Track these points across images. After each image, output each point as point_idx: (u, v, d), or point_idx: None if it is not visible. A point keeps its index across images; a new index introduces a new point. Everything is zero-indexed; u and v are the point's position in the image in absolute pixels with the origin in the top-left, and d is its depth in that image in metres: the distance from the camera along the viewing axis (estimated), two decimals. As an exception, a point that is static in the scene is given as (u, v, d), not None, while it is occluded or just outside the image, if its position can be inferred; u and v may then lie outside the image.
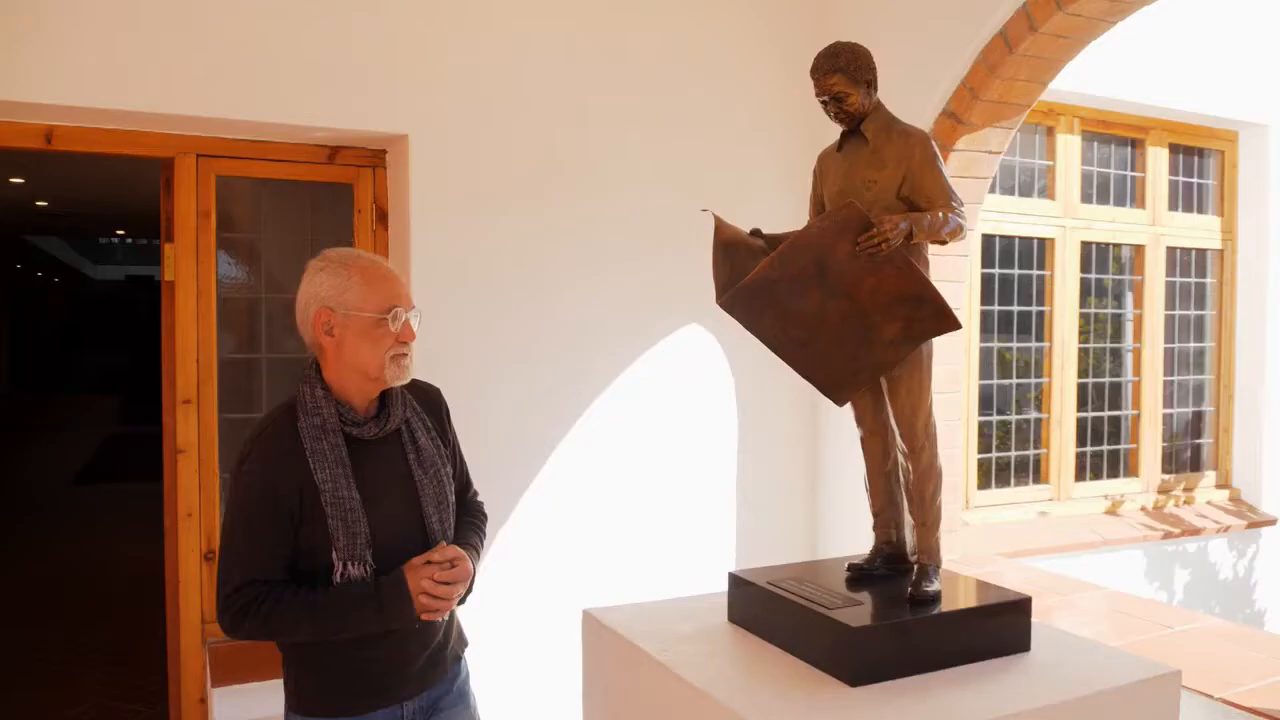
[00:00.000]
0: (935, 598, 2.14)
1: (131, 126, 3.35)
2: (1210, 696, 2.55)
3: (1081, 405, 5.20)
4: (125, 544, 8.04)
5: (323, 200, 3.71)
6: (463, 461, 2.37)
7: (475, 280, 3.58)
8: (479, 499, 2.41)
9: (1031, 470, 5.07)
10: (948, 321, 2.13)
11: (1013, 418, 5.03)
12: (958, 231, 2.15)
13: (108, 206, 10.95)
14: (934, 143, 2.22)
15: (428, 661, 2.19)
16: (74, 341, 18.07)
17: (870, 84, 2.25)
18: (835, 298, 2.10)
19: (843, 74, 2.21)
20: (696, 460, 4.06)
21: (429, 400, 2.28)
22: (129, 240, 18.85)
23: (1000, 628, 2.13)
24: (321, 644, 2.06)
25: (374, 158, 3.69)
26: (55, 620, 6.16)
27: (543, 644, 3.64)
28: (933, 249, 2.25)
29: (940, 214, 2.12)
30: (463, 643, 2.35)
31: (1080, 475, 5.20)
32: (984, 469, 4.91)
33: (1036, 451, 5.08)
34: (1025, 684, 1.98)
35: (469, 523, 2.31)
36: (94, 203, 10.53)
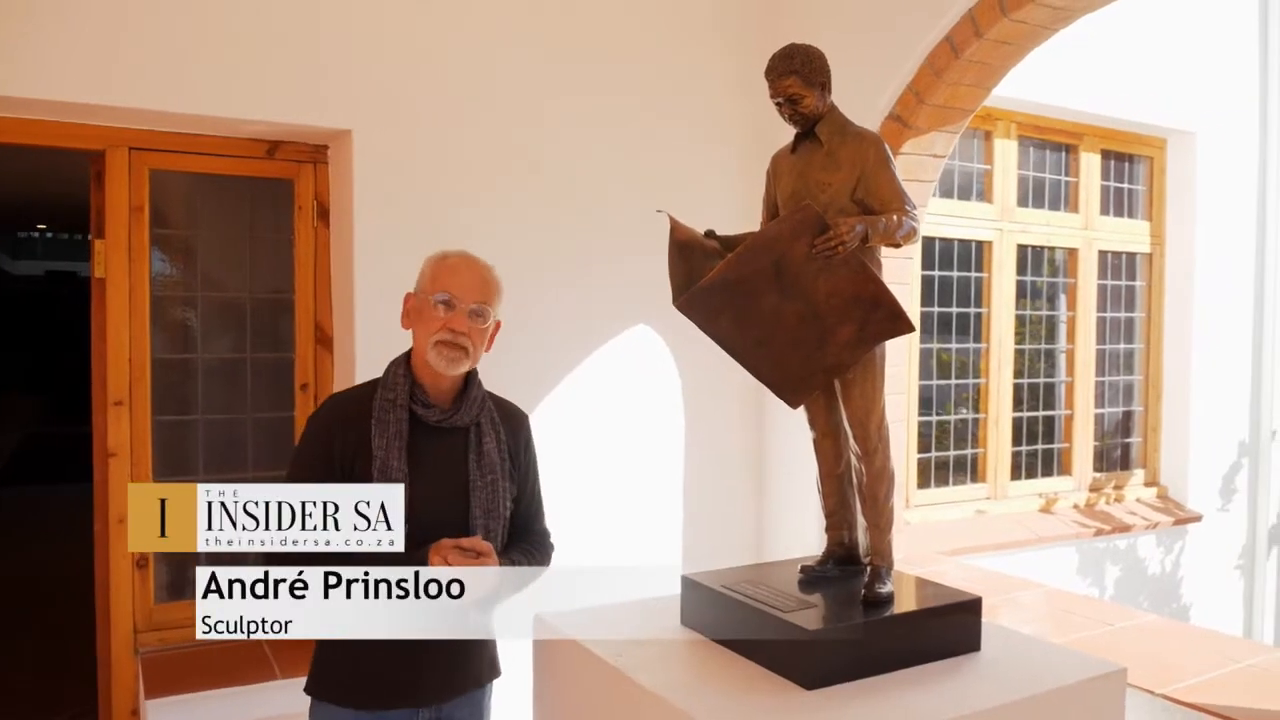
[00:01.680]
0: (888, 599, 2.16)
1: (61, 118, 3.23)
2: (1152, 693, 2.61)
3: (1016, 405, 5.29)
4: (48, 548, 7.77)
5: (261, 196, 3.61)
6: (537, 495, 2.38)
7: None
8: (550, 540, 2.39)
9: (969, 469, 5.15)
10: (901, 324, 2.15)
11: (951, 418, 5.10)
12: (912, 235, 2.17)
13: (28, 199, 10.58)
14: (887, 146, 2.23)
15: (448, 672, 2.17)
16: (-9, 338, 17.46)
17: (825, 86, 2.25)
18: (791, 300, 2.11)
19: (798, 76, 2.22)
20: (643, 462, 4.05)
21: (512, 419, 2.34)
22: (49, 235, 18.26)
23: (952, 628, 2.16)
24: (349, 646, 2.05)
25: (316, 153, 3.60)
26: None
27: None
28: (881, 251, 2.27)
29: (895, 217, 2.14)
30: (493, 671, 2.31)
31: (1015, 474, 5.29)
32: (922, 468, 4.97)
33: (974, 451, 5.16)
34: (978, 684, 2.00)
35: (523, 546, 2.27)
36: (12, 195, 10.17)
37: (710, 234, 2.27)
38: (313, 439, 2.17)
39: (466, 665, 2.21)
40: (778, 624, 2.03)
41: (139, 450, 3.39)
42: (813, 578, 2.32)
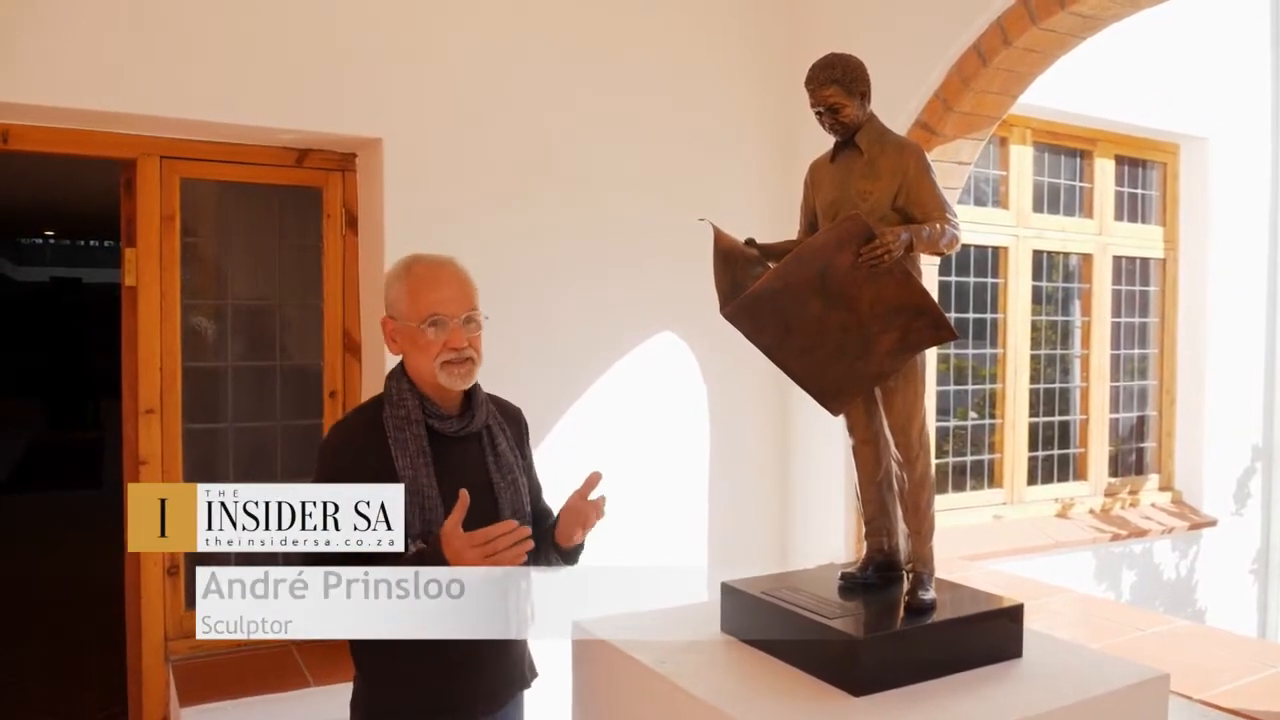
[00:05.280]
0: (932, 606, 2.16)
1: (93, 126, 3.25)
2: (1190, 698, 2.62)
3: (1031, 411, 5.30)
4: (59, 555, 7.79)
5: (290, 204, 3.62)
6: (538, 481, 2.38)
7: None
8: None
9: (986, 474, 5.16)
10: (944, 331, 2.16)
11: (968, 423, 5.11)
12: (954, 243, 2.18)
13: (35, 206, 10.59)
14: (926, 155, 2.24)
15: (500, 677, 2.18)
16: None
17: (865, 95, 2.26)
18: (835, 308, 2.12)
19: (838, 85, 2.22)
20: (668, 467, 4.06)
21: (510, 415, 2.33)
22: (52, 241, 18.23)
23: (995, 634, 2.16)
24: (393, 660, 2.06)
25: (344, 161, 3.62)
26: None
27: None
28: (922, 260, 2.28)
29: (938, 225, 2.15)
30: (533, 672, 2.32)
31: (1031, 479, 5.31)
32: (939, 473, 4.98)
33: (990, 456, 5.17)
34: (1025, 690, 2.01)
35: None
36: (19, 202, 10.16)
37: (750, 242, 2.28)
38: (331, 470, 2.06)
39: (513, 669, 2.22)
40: (823, 630, 2.04)
41: (170, 459, 3.40)
42: (853, 584, 2.32)
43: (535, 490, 2.36)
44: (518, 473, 2.21)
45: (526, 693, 2.33)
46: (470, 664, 2.10)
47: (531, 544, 1.98)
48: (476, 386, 2.21)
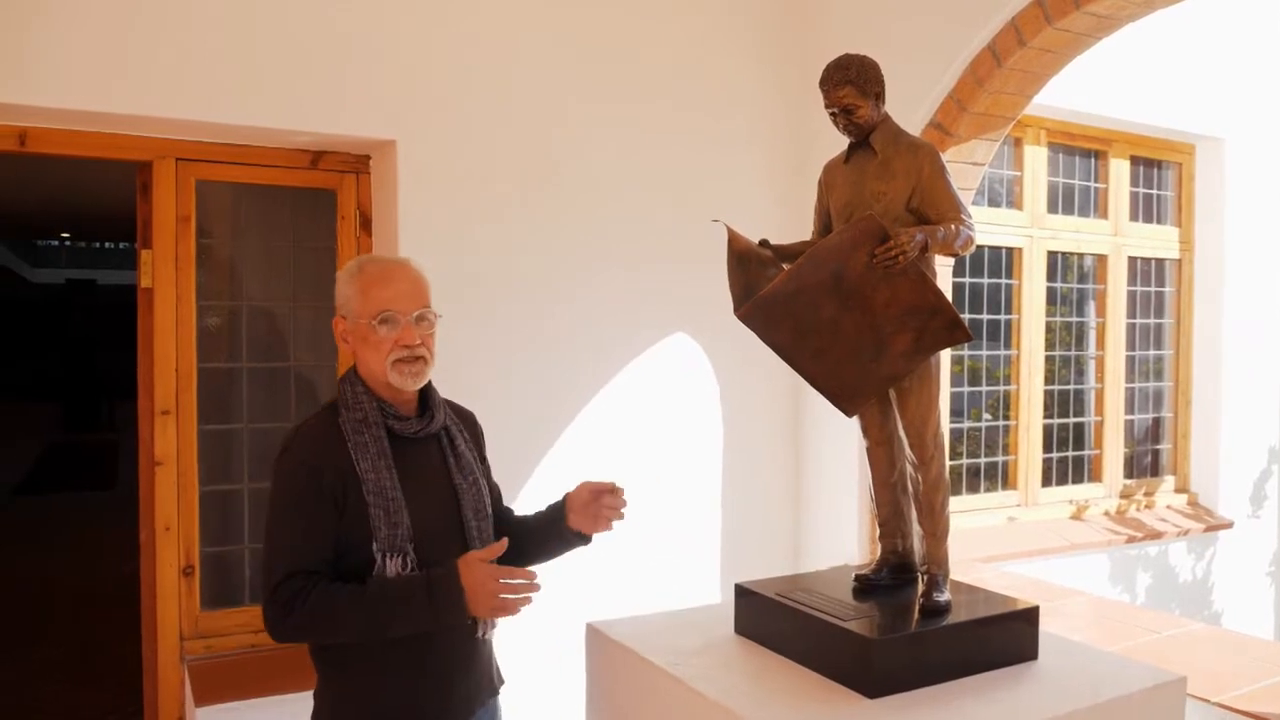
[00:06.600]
0: (947, 608, 2.15)
1: (109, 129, 3.27)
2: (1207, 701, 2.60)
3: (1046, 412, 5.28)
4: (74, 555, 7.84)
5: (304, 206, 3.64)
6: (495, 483, 2.38)
7: (462, 288, 3.53)
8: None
9: (1001, 476, 5.15)
10: (959, 332, 2.15)
11: (982, 425, 5.09)
12: (969, 244, 2.18)
13: (51, 208, 10.65)
14: (941, 155, 2.23)
15: (471, 684, 2.17)
16: (7, 347, 17.53)
17: (879, 96, 2.25)
18: (850, 310, 2.11)
19: (853, 86, 2.22)
20: (681, 468, 4.06)
21: (465, 418, 2.33)
22: (68, 243, 18.36)
23: (1010, 636, 2.15)
24: (363, 674, 2.04)
25: (358, 163, 3.63)
26: (6, 637, 5.97)
27: (529, 653, 3.60)
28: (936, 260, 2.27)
29: (953, 226, 2.14)
30: (500, 678, 2.32)
31: (1046, 481, 5.28)
32: (953, 475, 4.96)
33: (1005, 458, 5.15)
34: (1040, 693, 2.00)
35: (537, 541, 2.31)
36: (35, 204, 10.23)
37: (764, 243, 2.28)
38: (298, 479, 1.99)
39: (483, 675, 2.22)
40: (837, 632, 2.03)
41: (185, 459, 3.41)
42: (867, 586, 2.31)
43: (495, 493, 2.34)
44: (477, 473, 2.20)
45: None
46: (442, 671, 2.09)
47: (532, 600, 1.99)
48: (432, 388, 2.18)
